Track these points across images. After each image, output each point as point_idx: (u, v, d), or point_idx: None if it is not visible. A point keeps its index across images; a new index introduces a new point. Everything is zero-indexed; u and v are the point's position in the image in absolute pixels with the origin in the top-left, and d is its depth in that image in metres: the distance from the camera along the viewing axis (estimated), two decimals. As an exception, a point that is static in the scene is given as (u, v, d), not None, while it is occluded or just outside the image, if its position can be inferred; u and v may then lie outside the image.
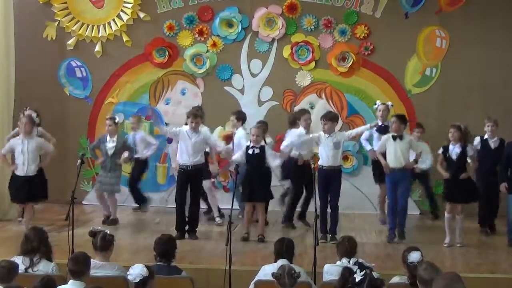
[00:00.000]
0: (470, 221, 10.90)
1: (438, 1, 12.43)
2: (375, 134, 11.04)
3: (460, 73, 12.31)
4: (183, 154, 10.16)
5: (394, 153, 9.99)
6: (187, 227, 10.19)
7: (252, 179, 9.98)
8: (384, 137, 10.22)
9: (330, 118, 10.16)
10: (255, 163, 10.02)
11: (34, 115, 10.46)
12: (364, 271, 5.24)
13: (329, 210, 10.15)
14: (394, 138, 10.01)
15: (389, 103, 11.41)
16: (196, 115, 10.18)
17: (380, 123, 10.91)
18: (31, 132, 10.12)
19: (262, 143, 10.16)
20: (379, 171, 10.64)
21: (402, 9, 12.50)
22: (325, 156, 10.09)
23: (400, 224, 10.08)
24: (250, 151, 10.08)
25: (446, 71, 12.45)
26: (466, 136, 9.83)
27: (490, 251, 9.78)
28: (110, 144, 10.88)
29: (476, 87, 12.16)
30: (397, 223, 10.07)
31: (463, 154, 9.77)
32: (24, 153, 9.99)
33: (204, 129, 10.55)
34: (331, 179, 10.00)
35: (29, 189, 10.05)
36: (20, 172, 10.05)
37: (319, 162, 10.16)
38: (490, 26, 12.22)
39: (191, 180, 10.22)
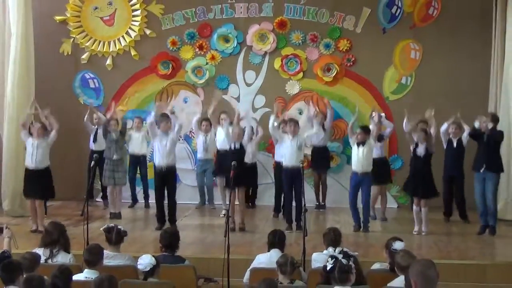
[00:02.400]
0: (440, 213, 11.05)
1: (412, 17, 12.47)
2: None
3: (432, 82, 12.32)
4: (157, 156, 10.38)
5: (357, 158, 10.17)
6: (167, 218, 10.32)
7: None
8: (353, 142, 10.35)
9: (296, 121, 10.35)
10: (235, 156, 9.98)
11: (47, 123, 10.41)
12: (333, 260, 5.26)
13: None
14: (358, 145, 10.17)
15: (383, 114, 11.45)
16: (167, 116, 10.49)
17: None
18: (43, 136, 10.13)
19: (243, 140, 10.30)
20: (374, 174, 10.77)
21: (380, 25, 12.52)
22: (289, 156, 10.14)
23: (364, 218, 10.24)
24: (232, 146, 10.24)
25: (419, 80, 12.47)
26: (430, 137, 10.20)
27: (460, 240, 9.84)
28: (113, 136, 10.93)
29: (446, 94, 12.16)
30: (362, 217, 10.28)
31: (426, 153, 9.99)
32: (34, 148, 10.03)
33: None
34: (295, 177, 9.97)
35: (37, 186, 10.05)
36: (28, 163, 10.10)
37: (284, 163, 10.23)
38: (458, 39, 12.25)
39: (166, 180, 10.33)
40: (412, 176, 10.24)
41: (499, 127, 10.04)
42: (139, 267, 6.03)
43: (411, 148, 10.24)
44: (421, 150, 10.00)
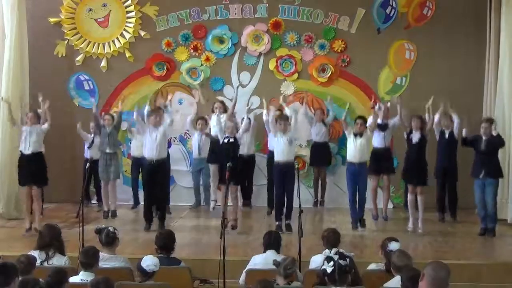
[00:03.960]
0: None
1: (407, 18, 12.49)
2: (376, 130, 10.91)
3: (427, 82, 12.33)
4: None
5: (354, 148, 10.16)
6: (157, 216, 10.29)
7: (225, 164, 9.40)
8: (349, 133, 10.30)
9: (286, 118, 10.28)
10: (229, 150, 10.03)
11: (39, 111, 10.49)
12: (331, 262, 5.26)
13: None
14: (355, 135, 10.17)
15: (389, 103, 11.45)
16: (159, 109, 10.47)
17: (380, 122, 10.93)
18: (35, 124, 10.18)
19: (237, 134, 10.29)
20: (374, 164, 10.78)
21: (374, 25, 12.54)
22: (281, 152, 10.11)
23: (360, 212, 10.24)
24: (225, 140, 10.18)
25: (414, 80, 12.50)
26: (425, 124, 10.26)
27: (456, 240, 9.84)
28: (107, 130, 11.02)
29: (440, 94, 12.06)
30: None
31: (421, 140, 10.04)
32: (27, 133, 10.07)
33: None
34: (287, 172, 9.97)
35: (31, 171, 10.03)
36: (22, 148, 10.10)
37: (275, 158, 10.23)
38: (452, 40, 12.27)
39: (156, 173, 10.21)
40: (406, 163, 10.25)
41: (493, 128, 10.02)
42: (147, 268, 5.97)
43: (405, 134, 10.28)
44: (415, 137, 10.03)
